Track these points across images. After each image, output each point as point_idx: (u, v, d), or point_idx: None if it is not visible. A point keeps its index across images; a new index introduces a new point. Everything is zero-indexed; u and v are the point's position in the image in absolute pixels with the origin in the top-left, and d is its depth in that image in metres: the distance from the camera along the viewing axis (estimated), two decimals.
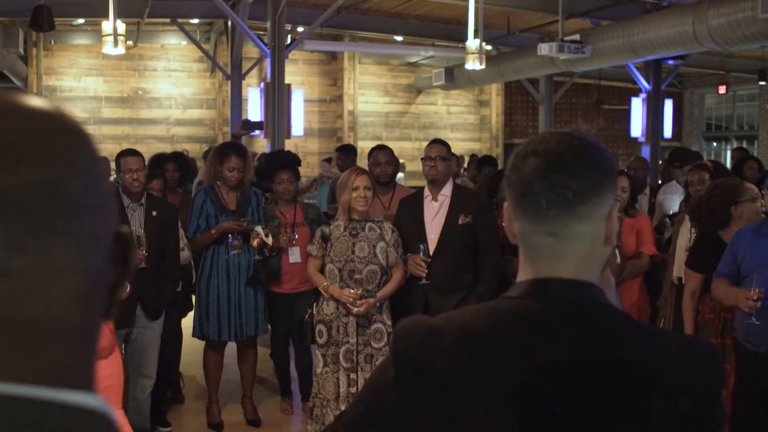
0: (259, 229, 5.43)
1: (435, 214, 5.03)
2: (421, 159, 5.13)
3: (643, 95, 14.05)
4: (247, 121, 8.55)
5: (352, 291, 4.71)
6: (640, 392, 1.22)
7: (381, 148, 6.07)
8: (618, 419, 1.22)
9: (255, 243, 5.41)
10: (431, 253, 4.93)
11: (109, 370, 4.22)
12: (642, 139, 14.15)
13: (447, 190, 5.07)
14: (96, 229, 0.68)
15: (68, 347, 0.66)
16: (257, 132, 10.21)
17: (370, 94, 17.13)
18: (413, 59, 16.93)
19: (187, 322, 5.98)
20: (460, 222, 4.96)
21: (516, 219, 1.32)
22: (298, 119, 11.63)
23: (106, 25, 8.69)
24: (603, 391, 1.22)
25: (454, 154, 6.26)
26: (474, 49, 9.78)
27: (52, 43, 15.06)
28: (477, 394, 1.23)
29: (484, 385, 1.23)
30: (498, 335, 1.26)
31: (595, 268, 1.31)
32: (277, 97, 10.02)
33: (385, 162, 5.89)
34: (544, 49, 10.40)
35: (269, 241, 5.43)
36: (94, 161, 0.70)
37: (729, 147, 18.17)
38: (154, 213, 5.18)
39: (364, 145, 15.12)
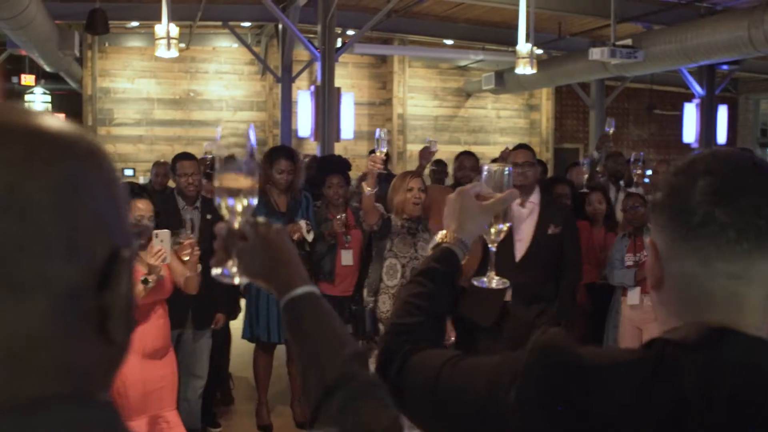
0: (302, 222, 5.44)
1: (523, 220, 4.92)
2: None
3: (696, 100, 13.86)
4: None
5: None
6: None
7: (467, 154, 6.19)
8: None
9: (296, 237, 5.41)
10: (519, 258, 4.81)
11: (164, 370, 4.28)
12: (695, 145, 13.94)
13: (535, 197, 4.97)
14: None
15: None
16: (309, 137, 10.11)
17: (420, 98, 17.11)
18: (463, 63, 16.89)
19: (236, 324, 6.03)
20: (549, 232, 4.87)
21: (676, 257, 1.06)
22: (348, 122, 11.68)
23: (160, 29, 8.81)
24: None
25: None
26: (525, 54, 9.72)
27: (107, 45, 15.29)
28: None
29: None
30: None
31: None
32: (327, 100, 10.07)
33: (469, 167, 5.93)
34: (595, 53, 10.31)
35: (309, 237, 5.44)
36: None
37: None
38: (209, 216, 5.24)
39: (413, 149, 15.14)
